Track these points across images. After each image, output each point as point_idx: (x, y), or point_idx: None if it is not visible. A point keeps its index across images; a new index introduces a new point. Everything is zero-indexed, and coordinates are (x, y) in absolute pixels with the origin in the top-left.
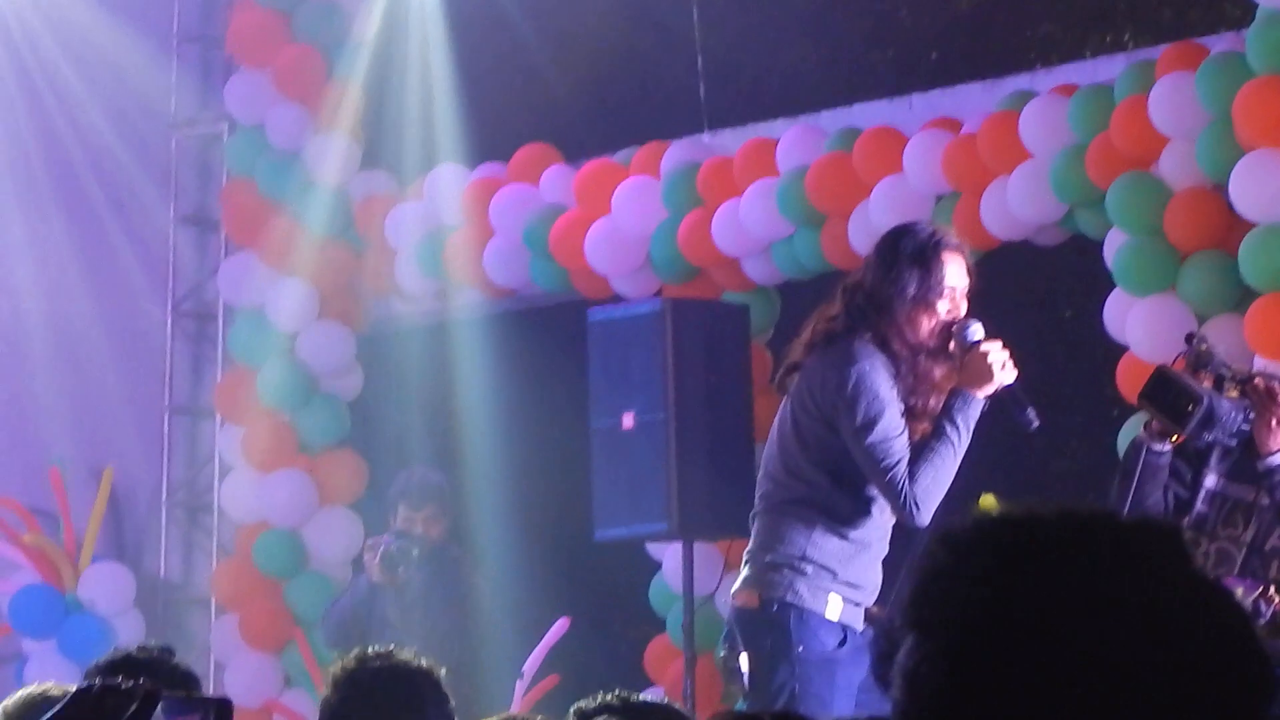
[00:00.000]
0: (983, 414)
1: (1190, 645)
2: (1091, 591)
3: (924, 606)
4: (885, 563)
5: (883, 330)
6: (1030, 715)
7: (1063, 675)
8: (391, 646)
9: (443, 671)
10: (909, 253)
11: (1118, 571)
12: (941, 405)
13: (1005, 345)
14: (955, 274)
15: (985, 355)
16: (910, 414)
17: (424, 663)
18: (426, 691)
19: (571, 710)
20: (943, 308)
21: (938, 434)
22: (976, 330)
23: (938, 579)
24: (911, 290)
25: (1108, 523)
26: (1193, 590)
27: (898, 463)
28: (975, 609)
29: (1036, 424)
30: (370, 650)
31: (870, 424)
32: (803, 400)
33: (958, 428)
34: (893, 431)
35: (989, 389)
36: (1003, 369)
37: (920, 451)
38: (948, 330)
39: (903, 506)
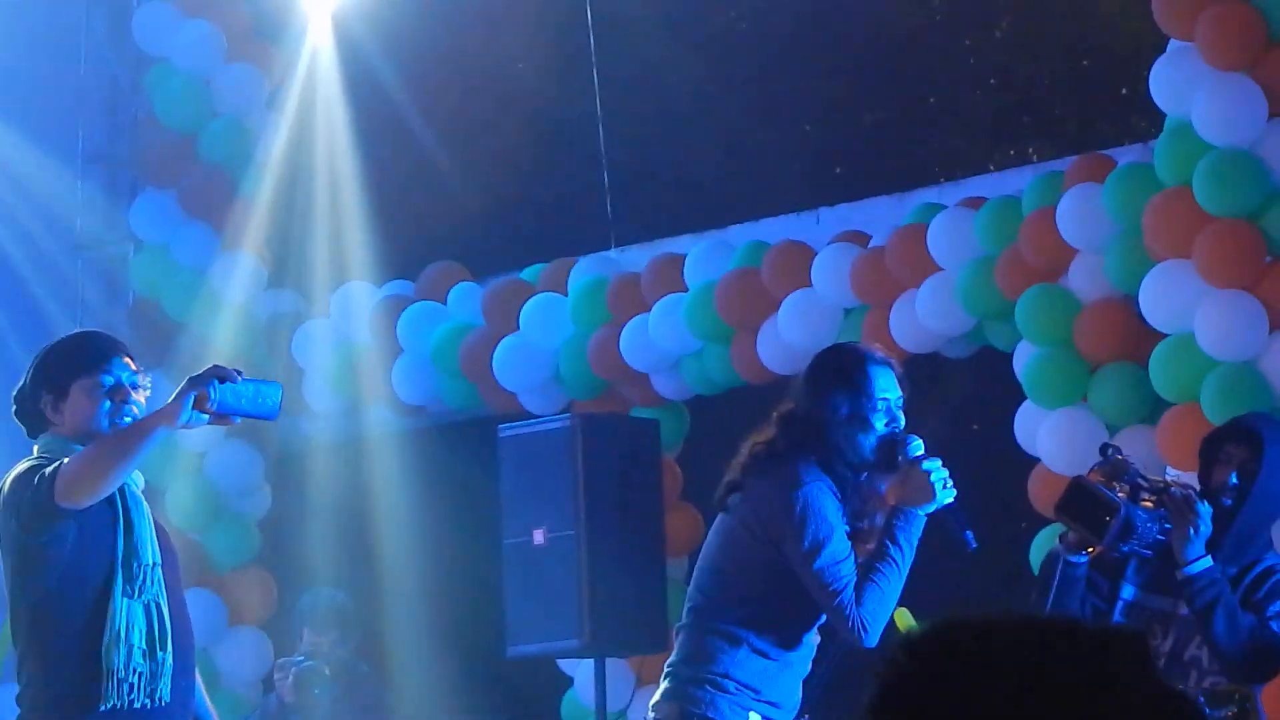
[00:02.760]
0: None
1: None
2: (1059, 699)
3: (890, 713)
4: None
5: (823, 454)
6: None
7: None
8: None
9: None
10: (835, 373)
11: (1085, 679)
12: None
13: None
14: (885, 386)
15: (927, 474)
16: (857, 536)
17: None
18: None
19: None
20: (879, 422)
21: (881, 554)
22: (917, 446)
23: (905, 686)
24: (844, 410)
25: (1075, 631)
26: (1158, 699)
27: (845, 587)
28: (942, 715)
29: (975, 546)
30: None
31: (818, 549)
32: (747, 522)
33: (900, 547)
34: (840, 555)
35: (930, 507)
36: (944, 488)
37: (865, 573)
38: (889, 444)
39: (851, 630)
